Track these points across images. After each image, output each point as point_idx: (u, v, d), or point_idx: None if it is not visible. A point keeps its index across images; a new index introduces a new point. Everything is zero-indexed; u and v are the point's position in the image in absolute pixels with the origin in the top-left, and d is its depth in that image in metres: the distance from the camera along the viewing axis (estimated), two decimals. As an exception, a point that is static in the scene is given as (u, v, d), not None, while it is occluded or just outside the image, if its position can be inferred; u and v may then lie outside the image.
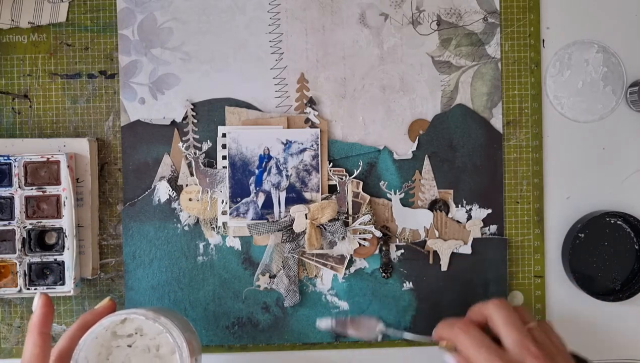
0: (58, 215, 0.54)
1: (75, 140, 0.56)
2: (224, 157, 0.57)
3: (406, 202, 0.58)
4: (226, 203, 0.57)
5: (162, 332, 0.46)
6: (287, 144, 0.57)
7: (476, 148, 0.58)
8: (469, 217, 0.58)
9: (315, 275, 0.58)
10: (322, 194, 0.57)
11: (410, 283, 0.58)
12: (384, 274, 0.58)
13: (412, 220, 0.58)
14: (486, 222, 0.58)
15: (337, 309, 0.58)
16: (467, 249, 0.58)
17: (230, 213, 0.56)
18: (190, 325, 0.52)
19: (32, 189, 0.54)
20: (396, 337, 0.54)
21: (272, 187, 0.57)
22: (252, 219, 0.56)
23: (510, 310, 0.49)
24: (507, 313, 0.48)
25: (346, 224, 0.57)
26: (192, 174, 0.57)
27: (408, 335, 0.53)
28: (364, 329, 0.54)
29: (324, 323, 0.54)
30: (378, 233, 0.57)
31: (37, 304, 0.46)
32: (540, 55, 0.59)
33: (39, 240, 0.55)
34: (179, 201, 0.57)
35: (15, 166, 0.54)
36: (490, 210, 0.58)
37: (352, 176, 0.58)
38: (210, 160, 0.58)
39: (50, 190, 0.54)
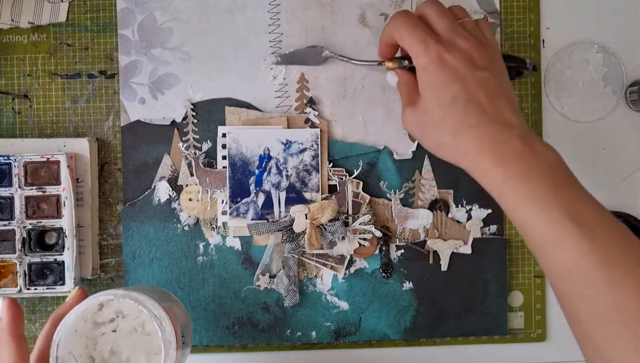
0: (58, 215, 0.54)
1: (75, 140, 0.56)
2: (224, 157, 0.57)
3: (406, 202, 0.58)
4: (226, 203, 0.57)
5: (142, 310, 0.45)
6: (287, 144, 0.57)
7: (476, 148, 0.58)
8: (469, 217, 0.58)
9: (315, 275, 0.58)
10: (322, 194, 0.57)
11: (410, 283, 0.58)
12: (384, 274, 0.58)
13: (412, 220, 0.58)
14: (486, 222, 0.58)
15: (337, 309, 0.58)
16: (467, 249, 0.58)
17: (230, 214, 0.56)
18: (170, 296, 0.51)
19: (32, 189, 0.54)
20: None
21: (272, 187, 0.57)
22: (252, 219, 0.56)
23: (443, 6, 0.49)
24: (440, 7, 0.48)
25: (346, 224, 0.57)
26: (192, 174, 0.57)
27: (355, 61, 0.56)
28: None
29: None
30: (378, 233, 0.57)
31: (1, 309, 0.43)
32: (540, 55, 0.59)
33: (39, 240, 0.55)
34: (179, 201, 0.57)
35: (15, 166, 0.54)
36: (490, 210, 0.58)
37: (352, 176, 0.58)
38: (210, 160, 0.57)
39: (50, 190, 0.54)
